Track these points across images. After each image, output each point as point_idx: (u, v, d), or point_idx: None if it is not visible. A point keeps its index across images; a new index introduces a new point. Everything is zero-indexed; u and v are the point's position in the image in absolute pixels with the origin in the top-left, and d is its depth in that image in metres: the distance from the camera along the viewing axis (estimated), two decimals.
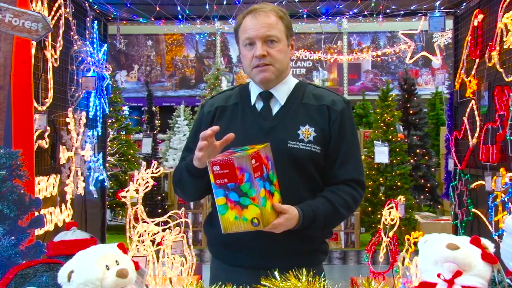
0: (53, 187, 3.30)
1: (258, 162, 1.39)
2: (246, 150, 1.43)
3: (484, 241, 1.06)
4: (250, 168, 1.34)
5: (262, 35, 1.60)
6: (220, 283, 1.20)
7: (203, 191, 1.67)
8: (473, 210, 3.86)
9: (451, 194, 4.37)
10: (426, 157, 7.73)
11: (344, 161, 1.66)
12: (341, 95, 1.77)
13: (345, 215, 1.67)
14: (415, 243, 2.43)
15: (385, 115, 6.49)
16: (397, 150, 6.42)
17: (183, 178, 1.64)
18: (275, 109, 1.68)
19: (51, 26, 1.65)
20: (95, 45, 4.15)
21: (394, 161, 6.36)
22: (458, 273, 1.00)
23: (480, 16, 3.74)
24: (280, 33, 1.62)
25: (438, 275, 1.02)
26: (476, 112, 3.82)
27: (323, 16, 4.40)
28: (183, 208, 3.08)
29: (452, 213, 4.42)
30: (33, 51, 2.80)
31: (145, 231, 2.83)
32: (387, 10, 4.20)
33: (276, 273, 1.10)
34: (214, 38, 13.35)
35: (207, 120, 1.72)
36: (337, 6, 4.07)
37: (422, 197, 7.53)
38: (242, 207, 1.37)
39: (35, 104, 2.85)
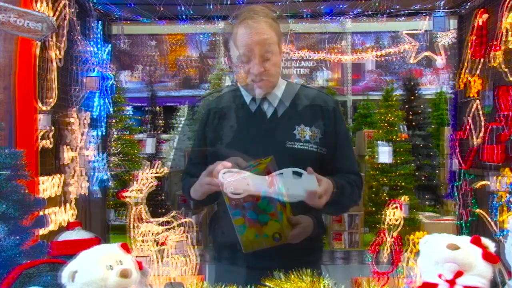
0: (57, 187, 3.31)
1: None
2: (254, 166, 1.42)
3: (485, 240, 1.06)
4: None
5: (259, 52, 1.58)
6: (221, 283, 1.20)
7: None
8: (477, 210, 3.85)
9: (455, 194, 4.35)
10: (430, 157, 7.71)
11: (342, 156, 1.70)
12: (330, 95, 1.81)
13: (357, 193, 1.70)
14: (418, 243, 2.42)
15: (388, 115, 6.48)
16: (401, 150, 6.41)
17: (193, 193, 1.63)
18: (269, 111, 1.69)
19: (56, 26, 1.66)
20: (98, 45, 4.16)
21: (398, 161, 6.35)
22: (459, 273, 1.00)
23: (485, 16, 3.73)
24: (274, 46, 1.62)
25: (439, 276, 1.02)
26: (480, 112, 3.80)
27: (326, 16, 4.39)
28: (183, 208, 3.07)
29: (456, 213, 4.41)
30: (37, 51, 2.81)
31: (148, 231, 2.84)
32: (390, 10, 4.19)
33: (279, 273, 1.10)
34: (217, 38, 13.35)
35: (202, 121, 1.74)
36: (339, 6, 4.06)
37: (425, 197, 7.51)
38: (262, 224, 1.36)
39: (39, 104, 2.86)
